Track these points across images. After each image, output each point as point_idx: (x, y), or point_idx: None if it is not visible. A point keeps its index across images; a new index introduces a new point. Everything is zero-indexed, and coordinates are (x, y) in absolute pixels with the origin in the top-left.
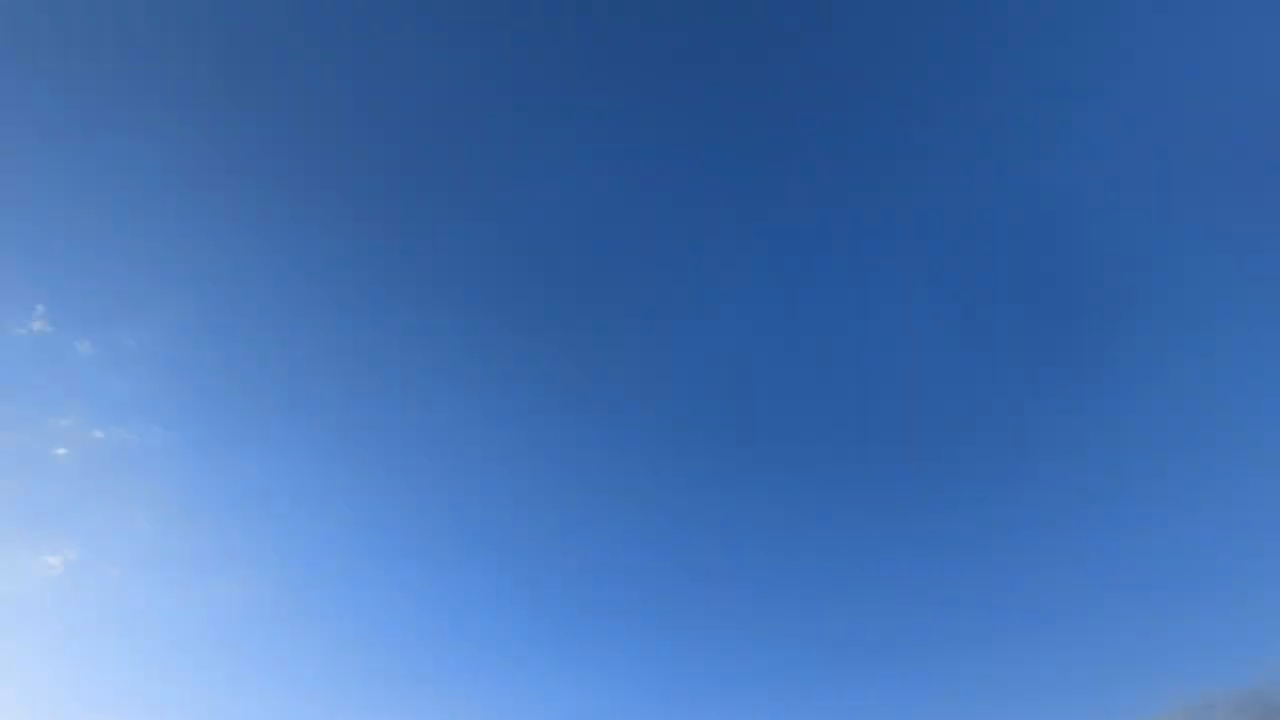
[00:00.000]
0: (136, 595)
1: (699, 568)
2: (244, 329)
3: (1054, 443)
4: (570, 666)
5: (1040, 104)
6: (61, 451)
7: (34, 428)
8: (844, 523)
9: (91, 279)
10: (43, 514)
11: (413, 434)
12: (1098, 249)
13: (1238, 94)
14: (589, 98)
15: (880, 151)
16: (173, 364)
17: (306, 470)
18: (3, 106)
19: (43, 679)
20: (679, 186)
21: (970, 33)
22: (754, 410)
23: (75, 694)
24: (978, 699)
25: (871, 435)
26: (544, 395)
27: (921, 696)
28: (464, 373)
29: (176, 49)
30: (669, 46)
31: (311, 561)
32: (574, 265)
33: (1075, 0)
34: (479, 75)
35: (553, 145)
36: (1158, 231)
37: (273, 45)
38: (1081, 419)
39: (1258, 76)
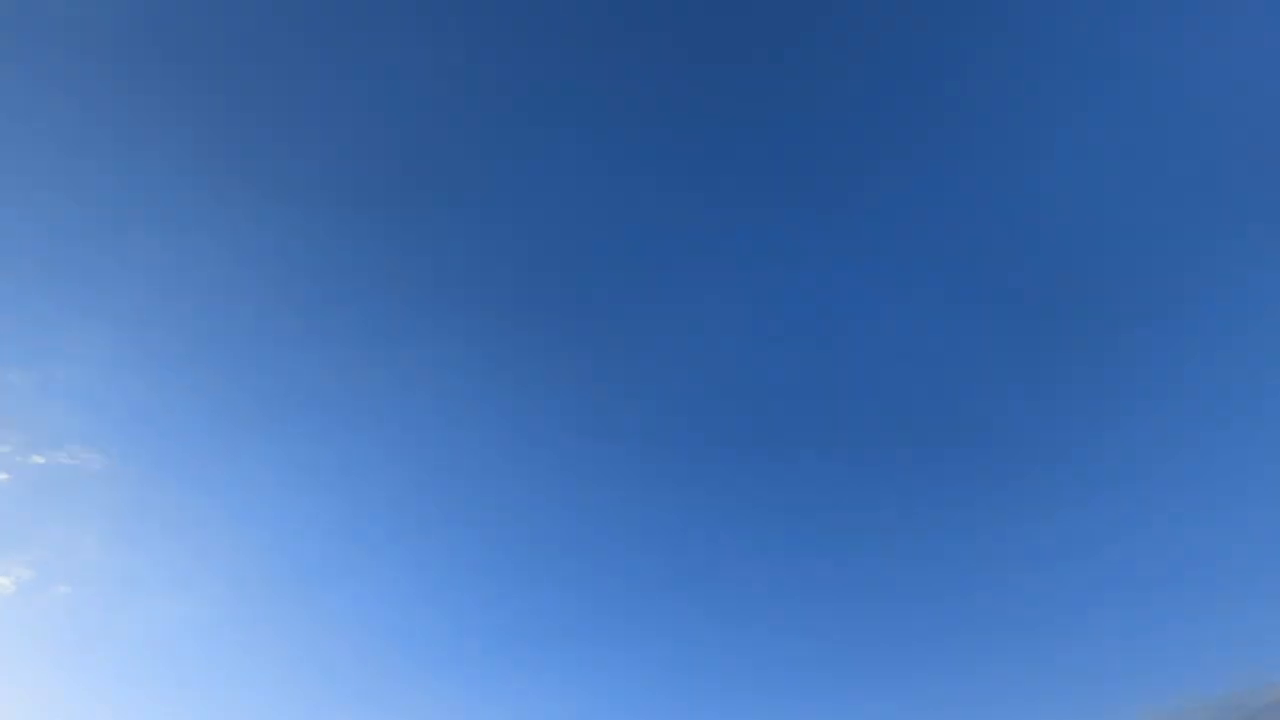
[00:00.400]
0: (89, 613)
1: (698, 566)
2: (175, 358)
3: (1041, 449)
4: (561, 667)
5: (1039, 104)
6: (3, 476)
7: None
8: (837, 523)
9: (21, 312)
10: None
11: (375, 441)
12: (1095, 250)
13: (1236, 95)
14: (584, 98)
15: (878, 151)
16: (106, 393)
17: (257, 486)
18: None
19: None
20: (677, 187)
21: (967, 32)
22: (752, 410)
23: (31, 711)
24: (958, 698)
25: (866, 437)
26: (533, 393)
27: (905, 696)
28: (447, 375)
29: (111, 70)
30: (665, 46)
31: (258, 576)
32: (568, 265)
33: (1075, 1)
34: (468, 74)
35: (544, 145)
36: (1155, 233)
37: (210, 51)
38: (1069, 426)
39: (1256, 77)
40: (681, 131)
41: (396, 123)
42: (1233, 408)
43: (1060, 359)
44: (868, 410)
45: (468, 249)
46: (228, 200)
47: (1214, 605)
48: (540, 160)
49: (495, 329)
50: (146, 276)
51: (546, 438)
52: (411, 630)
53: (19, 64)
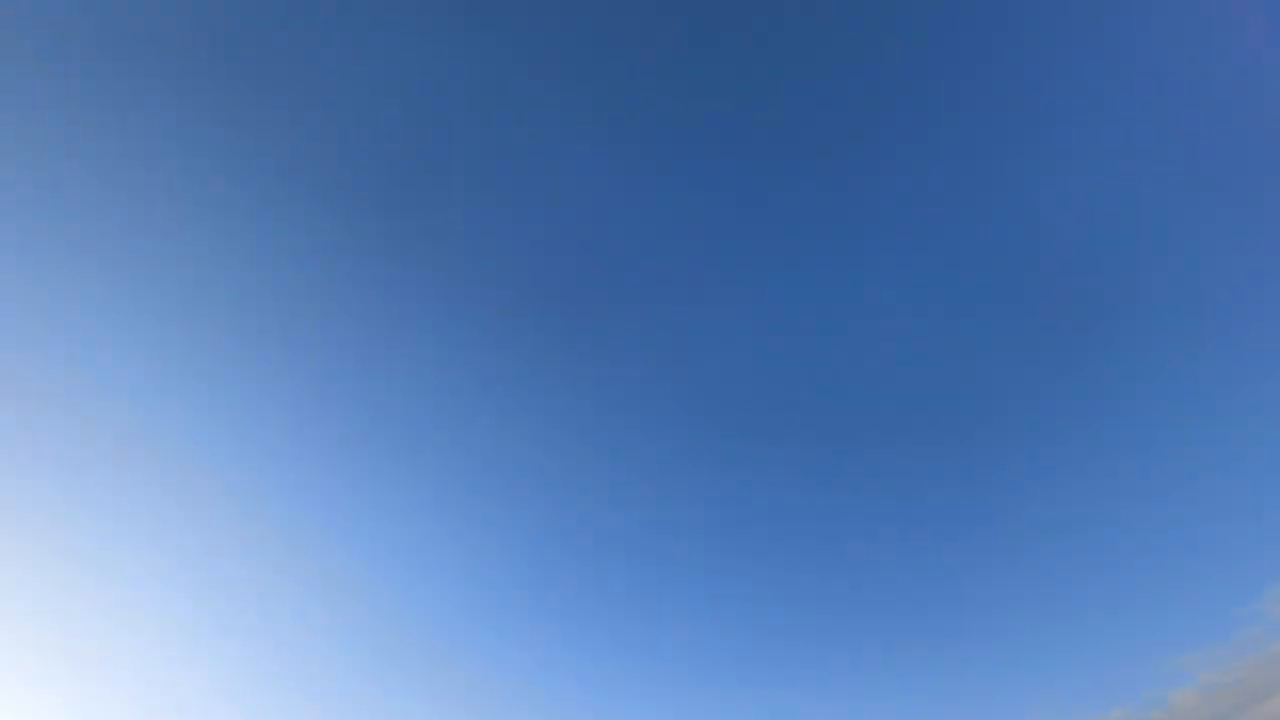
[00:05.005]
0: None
1: (701, 561)
2: (195, 353)
3: (1039, 445)
4: (561, 658)
5: (1038, 105)
6: None
7: None
8: (827, 518)
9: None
10: None
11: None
12: (1093, 250)
13: (1234, 97)
14: (595, 98)
15: (884, 152)
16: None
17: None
18: None
19: None
20: (689, 189)
21: (967, 35)
22: (757, 407)
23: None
24: (953, 690)
25: (857, 435)
26: (529, 389)
27: (882, 689)
28: (461, 370)
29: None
30: (674, 47)
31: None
32: (580, 264)
33: (1075, 4)
34: (480, 75)
35: (559, 145)
36: (1153, 233)
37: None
38: (1069, 424)
39: (1254, 80)
40: (691, 131)
41: (415, 123)
42: (1231, 410)
43: (1062, 357)
44: (868, 406)
45: (474, 249)
46: (249, 199)
47: (1209, 600)
48: (557, 163)
49: (503, 328)
50: (157, 274)
51: (545, 434)
52: (428, 622)
53: (21, 65)
